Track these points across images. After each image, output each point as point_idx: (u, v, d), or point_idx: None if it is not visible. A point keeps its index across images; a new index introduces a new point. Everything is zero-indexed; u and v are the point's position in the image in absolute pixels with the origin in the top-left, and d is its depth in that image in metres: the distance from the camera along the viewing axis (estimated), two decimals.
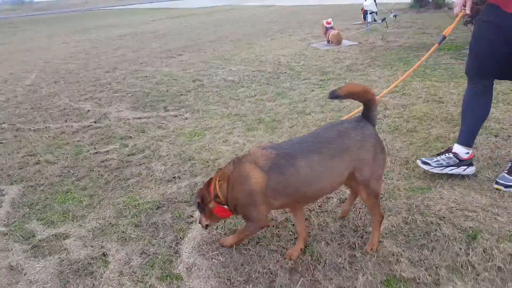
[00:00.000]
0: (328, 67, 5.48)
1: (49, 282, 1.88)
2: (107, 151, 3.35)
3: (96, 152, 3.35)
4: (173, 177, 2.81)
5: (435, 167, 2.36)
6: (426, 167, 2.38)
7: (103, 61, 7.64)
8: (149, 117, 4.15)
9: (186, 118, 4.03)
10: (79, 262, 1.99)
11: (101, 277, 1.88)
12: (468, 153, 2.34)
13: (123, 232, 2.21)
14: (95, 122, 4.11)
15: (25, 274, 1.94)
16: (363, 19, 9.62)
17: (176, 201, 2.49)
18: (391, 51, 5.99)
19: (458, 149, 2.35)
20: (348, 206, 2.14)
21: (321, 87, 4.55)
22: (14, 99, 5.33)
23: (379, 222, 1.85)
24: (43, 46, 10.47)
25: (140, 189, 2.69)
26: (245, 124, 3.65)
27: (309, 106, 3.92)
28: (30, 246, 2.15)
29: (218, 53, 7.56)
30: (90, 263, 1.98)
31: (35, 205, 2.58)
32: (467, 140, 2.35)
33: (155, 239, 2.13)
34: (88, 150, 3.41)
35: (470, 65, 2.27)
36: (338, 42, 6.90)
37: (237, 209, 1.76)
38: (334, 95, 1.65)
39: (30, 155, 3.40)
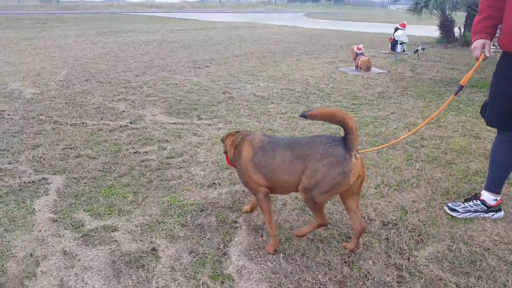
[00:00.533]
0: (359, 92, 5.64)
1: (103, 270, 1.97)
2: (146, 152, 3.48)
3: (136, 152, 3.48)
4: (213, 183, 2.91)
5: (463, 213, 2.42)
6: (454, 214, 2.44)
7: (132, 65, 7.89)
8: (183, 124, 4.29)
9: (220, 128, 4.17)
10: (130, 254, 2.09)
11: (153, 271, 1.97)
12: (496, 199, 2.39)
13: (170, 230, 2.31)
14: (131, 123, 4.26)
15: (79, 260, 2.04)
16: (390, 48, 9.88)
17: (219, 206, 2.60)
18: (422, 82, 6.15)
19: (486, 196, 2.40)
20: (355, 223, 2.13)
21: (353, 110, 4.69)
22: (48, 93, 5.52)
23: (316, 224, 2.05)
24: (72, 44, 10.81)
25: (182, 191, 2.80)
26: None
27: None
28: (80, 235, 2.26)
29: (245, 68, 7.78)
30: (141, 256, 2.07)
31: (80, 196, 2.70)
32: (494, 187, 2.39)
33: (203, 239, 2.22)
34: (127, 149, 3.54)
35: (494, 118, 2.28)
36: (367, 69, 7.09)
37: (238, 174, 2.22)
38: (303, 115, 1.93)
39: (71, 148, 3.54)
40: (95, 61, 8.22)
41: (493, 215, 2.41)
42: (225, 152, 2.30)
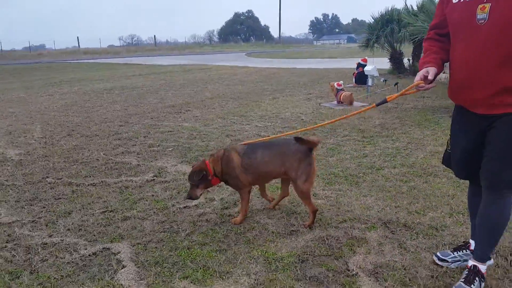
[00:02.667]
0: (360, 125, 5.97)
1: None
2: (196, 206, 3.31)
3: (185, 207, 3.29)
4: (291, 231, 2.85)
5: (452, 262, 2.31)
6: (443, 264, 2.31)
7: (107, 115, 7.54)
8: None
9: None
10: None
11: None
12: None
13: (291, 286, 2.20)
14: (156, 177, 4.03)
15: None
16: (355, 82, 10.63)
17: (316, 254, 2.53)
18: (410, 112, 6.70)
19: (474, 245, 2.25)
20: (277, 200, 3.23)
21: (370, 143, 4.93)
22: (36, 152, 5.05)
23: (312, 212, 2.88)
24: (25, 97, 10.06)
25: (265, 242, 2.69)
26: (322, 179, 3.82)
27: (376, 161, 4.23)
28: None
29: (228, 109, 7.84)
30: None
31: (163, 263, 2.47)
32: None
33: None
34: (173, 205, 3.33)
35: (462, 171, 2.22)
36: (350, 103, 7.54)
37: (227, 180, 2.93)
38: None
39: (111, 211, 3.24)
40: (65, 114, 7.73)
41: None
42: (204, 178, 2.86)
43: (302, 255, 2.52)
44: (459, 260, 2.32)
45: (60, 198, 3.55)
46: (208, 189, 3.25)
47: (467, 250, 2.33)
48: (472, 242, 2.30)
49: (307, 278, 2.28)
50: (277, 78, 13.71)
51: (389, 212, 3.06)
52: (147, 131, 6.14)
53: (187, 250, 2.61)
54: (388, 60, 13.01)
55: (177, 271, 2.38)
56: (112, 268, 2.43)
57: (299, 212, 3.13)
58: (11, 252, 2.66)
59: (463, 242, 2.44)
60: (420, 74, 2.05)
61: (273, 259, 2.48)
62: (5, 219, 3.16)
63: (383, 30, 12.14)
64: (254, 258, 2.49)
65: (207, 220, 3.06)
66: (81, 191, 3.70)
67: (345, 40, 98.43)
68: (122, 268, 2.43)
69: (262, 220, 3.02)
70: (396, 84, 8.09)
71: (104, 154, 4.92)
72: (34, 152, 5.09)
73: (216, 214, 3.16)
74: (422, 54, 2.30)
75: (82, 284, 2.28)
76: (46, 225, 3.03)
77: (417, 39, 12.22)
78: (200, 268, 2.40)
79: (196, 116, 7.28)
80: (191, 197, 2.90)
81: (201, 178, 2.83)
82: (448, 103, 7.18)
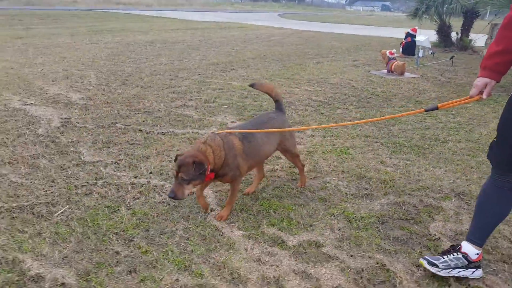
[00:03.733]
0: (416, 96, 5.87)
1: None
2: (266, 162, 3.42)
3: None
4: (365, 194, 2.94)
5: (443, 269, 2.04)
6: (433, 269, 2.05)
7: (156, 67, 7.63)
8: None
9: (313, 135, 4.17)
10: (363, 270, 2.08)
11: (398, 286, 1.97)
12: (478, 253, 2.06)
13: (377, 244, 2.31)
14: None
15: (317, 280, 2.00)
16: (401, 52, 10.31)
17: (394, 218, 2.63)
18: (465, 87, 6.52)
19: (468, 248, 2.07)
20: (256, 184, 2.97)
21: (430, 115, 4.88)
22: (97, 98, 5.22)
23: (302, 169, 3.01)
24: (72, 44, 10.22)
25: (341, 202, 2.79)
26: (387, 147, 3.84)
27: (440, 134, 4.22)
28: (291, 252, 2.20)
29: (272, 71, 7.79)
30: (377, 273, 2.07)
31: (247, 210, 2.62)
32: (479, 238, 2.08)
33: (412, 253, 2.25)
34: None
35: (498, 153, 1.95)
36: (401, 73, 7.37)
37: (226, 173, 2.41)
38: (252, 85, 2.95)
39: None
40: (114, 63, 7.85)
41: (472, 272, 2.06)
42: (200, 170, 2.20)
43: (381, 217, 2.62)
44: (450, 266, 2.06)
45: (134, 144, 3.72)
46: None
47: (458, 253, 2.09)
48: (465, 245, 2.10)
49: (391, 238, 2.39)
50: (317, 42, 13.39)
51: (461, 185, 3.09)
52: (199, 87, 6.20)
53: (267, 201, 2.75)
54: (435, 33, 12.45)
55: (262, 219, 2.53)
56: (201, 210, 2.60)
57: (369, 176, 3.20)
58: (103, 188, 2.86)
59: (452, 245, 2.22)
60: (478, 87, 1.87)
61: (353, 218, 2.59)
62: (89, 158, 3.36)
63: (434, 0, 11.55)
64: (334, 215, 2.61)
65: (278, 176, 3.18)
66: (152, 139, 3.86)
67: (379, 8, 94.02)
68: (211, 211, 2.60)
69: (332, 181, 3.12)
70: (452, 58, 7.81)
71: (164, 105, 5.05)
72: (96, 97, 5.26)
73: (285, 171, 3.27)
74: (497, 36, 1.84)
75: (177, 222, 2.46)
76: (129, 167, 3.21)
77: (469, 13, 11.66)
78: (284, 219, 2.54)
79: (242, 75, 7.28)
80: (175, 196, 2.17)
81: (200, 173, 2.20)
82: (504, 82, 6.94)
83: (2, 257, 2.13)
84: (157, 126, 4.24)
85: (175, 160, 2.25)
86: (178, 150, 3.60)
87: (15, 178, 2.98)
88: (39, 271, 2.02)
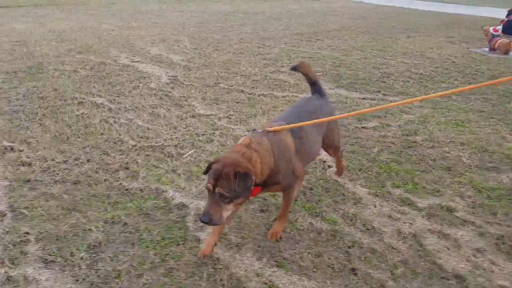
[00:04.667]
0: None
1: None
2: (374, 128, 3.37)
3: (363, 127, 3.37)
4: (489, 166, 2.78)
5: None
6: None
7: (242, 35, 7.73)
8: (373, 99, 4.15)
9: (421, 106, 4.00)
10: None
11: None
12: None
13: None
14: None
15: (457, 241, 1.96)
16: (502, 31, 9.36)
17: None
18: None
19: None
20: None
21: None
22: (195, 61, 5.45)
23: (341, 160, 2.51)
24: (160, 11, 10.72)
25: (465, 172, 2.68)
26: (506, 124, 3.57)
27: None
28: (424, 213, 2.18)
29: (362, 43, 7.51)
30: None
31: (366, 170, 2.62)
32: None
33: None
34: (350, 123, 3.43)
35: None
36: (506, 52, 6.73)
37: (280, 181, 1.83)
38: (294, 68, 2.39)
39: None
40: (202, 30, 8.10)
41: None
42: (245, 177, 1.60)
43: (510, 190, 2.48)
44: None
45: (239, 102, 3.86)
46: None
47: None
48: None
49: None
50: (402, 17, 12.62)
51: None
52: (287, 55, 6.20)
53: (386, 165, 2.72)
54: None
55: (385, 180, 2.52)
56: (319, 166, 2.65)
57: (492, 150, 3.01)
58: (221, 138, 3.03)
59: None
60: None
61: (483, 188, 2.47)
62: (202, 111, 3.56)
63: None
64: (462, 183, 2.52)
65: (391, 142, 3.12)
66: (255, 99, 3.97)
67: None
68: (329, 168, 2.64)
69: (452, 152, 2.99)
70: None
71: (258, 70, 5.14)
72: (194, 60, 5.50)
73: (398, 138, 3.20)
74: None
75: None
76: (240, 122, 3.35)
77: None
78: (409, 182, 2.50)
79: (330, 45, 7.13)
80: (211, 220, 1.58)
81: (245, 188, 1.61)
82: None
83: (146, 186, 2.37)
84: (256, 88, 4.34)
85: (206, 171, 1.67)
86: (281, 110, 3.67)
87: (141, 122, 3.26)
88: (182, 201, 2.22)
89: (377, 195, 2.33)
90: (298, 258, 1.80)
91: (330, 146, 2.30)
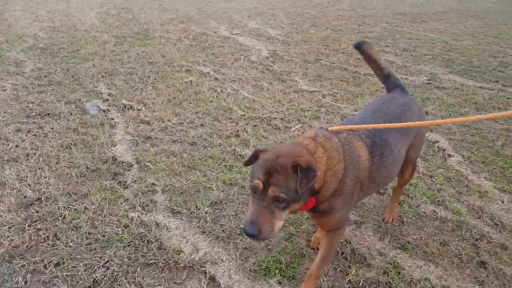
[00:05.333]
0: None
1: None
2: (495, 121, 3.12)
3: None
4: None
5: None
6: None
7: (339, 12, 7.53)
8: (491, 89, 3.82)
9: None
10: None
11: None
12: None
13: None
14: (431, 81, 3.92)
15: None
16: None
17: None
18: None
19: None
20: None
21: None
22: (292, 35, 5.46)
23: (400, 195, 1.94)
24: None
25: None
26: None
27: None
28: None
29: (473, 28, 6.88)
30: None
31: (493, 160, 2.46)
32: None
33: None
34: (467, 112, 3.22)
35: None
36: None
37: (332, 203, 1.31)
38: (358, 46, 1.80)
39: None
40: (297, 5, 8.05)
41: None
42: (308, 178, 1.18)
43: None
44: None
45: (343, 80, 3.81)
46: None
47: None
48: None
49: None
50: None
51: None
52: (391, 34, 5.92)
53: None
54: None
55: None
56: (437, 153, 2.54)
57: None
58: (327, 115, 3.03)
59: None
60: None
61: None
62: (305, 87, 3.58)
63: None
64: None
65: None
66: (360, 78, 3.88)
67: None
68: (450, 157, 2.52)
69: None
70: None
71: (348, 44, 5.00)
72: (291, 35, 5.51)
73: None
74: None
75: None
76: (346, 101, 3.32)
77: None
78: None
79: (437, 28, 6.65)
80: (260, 233, 1.18)
81: (308, 187, 1.20)
82: None
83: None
84: (361, 67, 4.23)
85: (250, 161, 1.27)
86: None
87: (246, 94, 3.38)
88: None
89: (504, 191, 2.18)
90: (423, 244, 1.77)
91: (410, 162, 1.71)
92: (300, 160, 1.17)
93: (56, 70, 3.82)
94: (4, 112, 2.96)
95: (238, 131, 2.77)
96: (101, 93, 3.34)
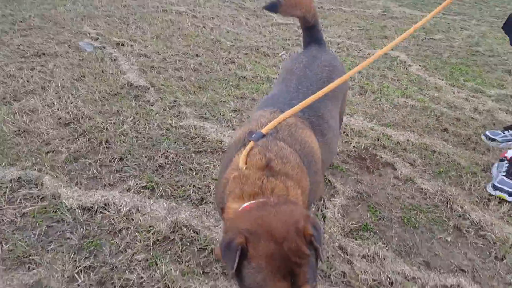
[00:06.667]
0: None
1: None
2: (432, 38, 3.83)
3: (431, 38, 3.84)
4: None
5: (502, 142, 2.24)
6: (492, 144, 2.26)
7: None
8: (434, 17, 4.55)
9: (479, 24, 4.40)
10: None
11: None
12: None
13: None
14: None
15: None
16: None
17: None
18: None
19: None
20: None
21: None
22: None
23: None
24: None
25: None
26: None
27: None
28: None
29: None
30: None
31: None
32: None
33: None
34: (425, 37, 3.89)
35: None
36: None
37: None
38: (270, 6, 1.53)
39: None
40: None
41: None
42: None
43: None
44: (509, 140, 2.25)
45: None
46: None
47: None
48: None
49: None
50: None
51: None
52: None
53: (456, 66, 3.23)
54: None
55: (458, 76, 3.04)
56: (401, 65, 3.18)
57: None
58: None
59: None
60: None
61: None
62: (281, 21, 4.02)
63: None
64: None
65: (457, 51, 3.59)
66: (325, 13, 4.39)
67: None
68: (410, 66, 3.16)
69: (511, 60, 3.48)
70: None
71: None
72: None
73: (462, 48, 3.67)
74: None
75: None
76: None
77: None
78: (478, 78, 3.03)
79: None
80: None
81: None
82: None
83: (257, 75, 2.94)
84: (325, 3, 4.72)
85: (233, 258, 0.82)
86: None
87: (228, 28, 3.76)
88: None
89: (453, 86, 2.88)
90: (401, 121, 2.38)
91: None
92: (307, 222, 0.84)
93: (30, 16, 3.87)
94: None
95: (232, 58, 3.18)
96: (89, 33, 3.53)
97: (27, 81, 2.75)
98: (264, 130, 1.07)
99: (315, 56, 1.48)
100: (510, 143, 2.21)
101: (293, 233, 0.80)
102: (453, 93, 2.77)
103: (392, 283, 1.42)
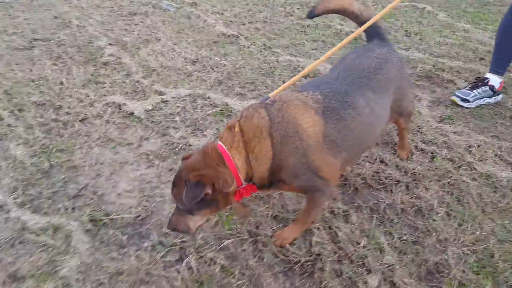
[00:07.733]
0: None
1: None
2: None
3: None
4: None
5: (473, 101, 2.44)
6: (465, 104, 2.44)
7: None
8: None
9: None
10: None
11: None
12: (500, 82, 2.47)
13: None
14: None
15: None
16: None
17: None
18: None
19: (493, 79, 2.45)
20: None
21: None
22: None
23: (407, 134, 1.95)
24: None
25: None
26: None
27: None
28: None
29: None
30: None
31: None
32: (500, 68, 2.46)
33: None
34: None
35: None
36: None
37: (286, 177, 1.33)
38: (311, 15, 1.74)
39: None
40: None
41: (495, 98, 2.49)
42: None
43: None
44: (479, 98, 2.44)
45: None
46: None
47: (486, 85, 2.45)
48: (491, 77, 2.47)
49: None
50: None
51: None
52: None
53: None
54: None
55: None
56: (430, 15, 3.92)
57: None
58: None
59: (477, 78, 2.55)
60: None
61: None
62: None
63: None
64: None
65: None
66: None
67: None
68: (437, 15, 3.91)
69: None
70: None
71: None
72: None
73: None
74: None
75: None
76: None
77: None
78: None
79: None
80: (176, 228, 1.39)
81: (197, 200, 1.25)
82: None
83: (316, 22, 3.60)
84: None
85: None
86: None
87: None
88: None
89: (478, 28, 3.63)
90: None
91: (401, 114, 1.68)
92: (191, 175, 1.24)
93: None
94: (100, 14, 3.62)
95: (289, 12, 3.81)
96: None
97: (138, 34, 3.31)
98: (271, 95, 1.45)
99: (371, 48, 1.58)
100: (482, 100, 2.46)
101: (187, 172, 1.28)
102: (479, 33, 3.54)
103: (479, 145, 2.17)
